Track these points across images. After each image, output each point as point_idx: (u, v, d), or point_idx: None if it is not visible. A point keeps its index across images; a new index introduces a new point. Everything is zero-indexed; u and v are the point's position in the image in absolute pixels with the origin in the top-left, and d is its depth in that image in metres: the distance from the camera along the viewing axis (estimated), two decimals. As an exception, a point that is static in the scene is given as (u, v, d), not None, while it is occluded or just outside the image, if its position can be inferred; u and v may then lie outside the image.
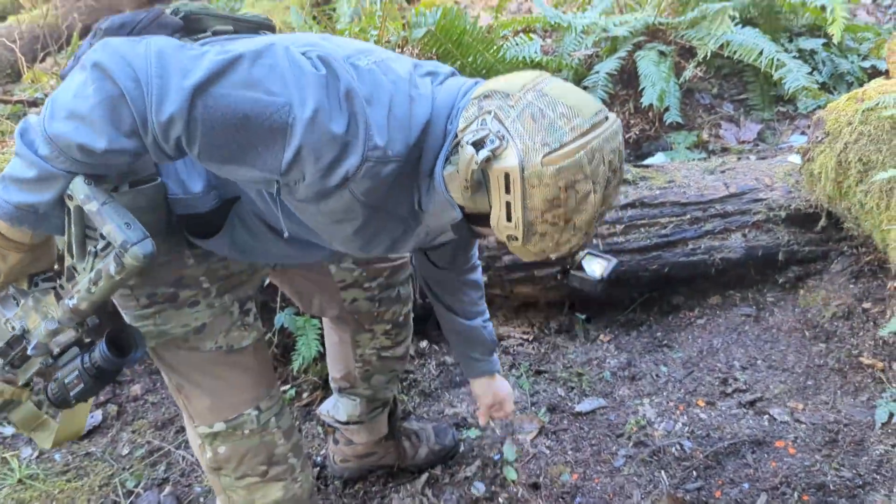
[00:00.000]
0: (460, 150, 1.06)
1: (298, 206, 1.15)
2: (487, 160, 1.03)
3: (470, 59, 2.88)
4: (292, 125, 1.03)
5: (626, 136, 3.10)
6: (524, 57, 2.97)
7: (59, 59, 3.79)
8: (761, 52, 2.87)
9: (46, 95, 3.36)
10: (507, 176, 1.03)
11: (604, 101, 3.04)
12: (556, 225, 1.06)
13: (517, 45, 3.01)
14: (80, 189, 1.07)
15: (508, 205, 1.05)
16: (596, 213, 1.07)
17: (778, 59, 2.76)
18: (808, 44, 3.32)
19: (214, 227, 1.27)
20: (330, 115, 1.04)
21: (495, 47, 2.93)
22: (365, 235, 1.19)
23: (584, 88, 3.10)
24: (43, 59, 3.66)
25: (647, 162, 2.89)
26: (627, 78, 3.21)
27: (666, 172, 2.53)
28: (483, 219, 1.11)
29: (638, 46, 3.21)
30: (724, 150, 3.06)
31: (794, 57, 3.02)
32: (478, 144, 1.04)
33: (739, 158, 2.83)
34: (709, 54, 3.03)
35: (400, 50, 2.98)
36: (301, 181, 1.08)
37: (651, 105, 3.02)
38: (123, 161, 1.07)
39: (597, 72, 3.08)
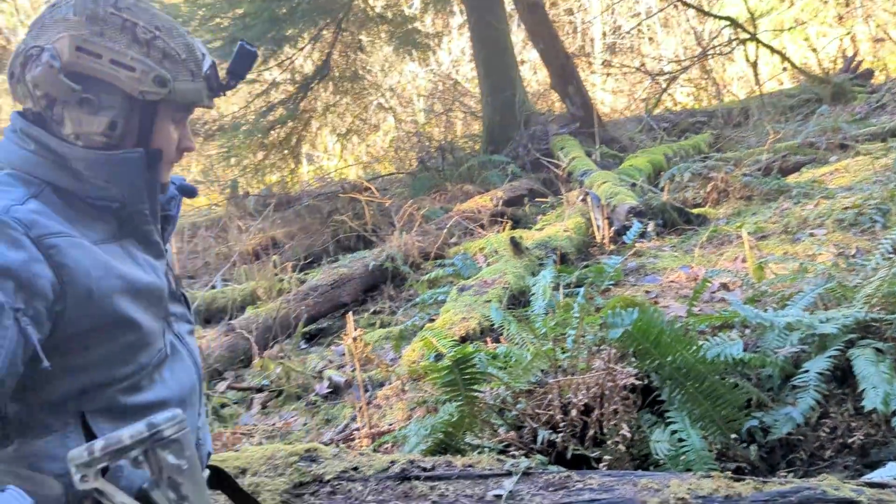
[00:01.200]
0: (45, 109, 1.08)
1: (103, 316, 1.17)
2: (54, 55, 1.03)
3: (669, 359, 2.88)
4: None
5: (850, 440, 2.84)
6: (726, 356, 2.92)
7: (284, 346, 4.28)
8: None
9: (271, 382, 3.76)
10: (79, 48, 1.03)
11: (819, 403, 2.86)
12: (163, 28, 1.08)
13: (718, 343, 2.99)
14: None
15: (114, 61, 1.04)
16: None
17: None
18: None
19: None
20: None
21: (695, 347, 2.92)
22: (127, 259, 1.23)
23: (794, 388, 2.96)
24: (271, 347, 4.17)
25: (878, 475, 2.59)
26: (842, 376, 3.02)
27: (907, 495, 2.24)
28: (138, 111, 1.10)
29: (850, 343, 3.05)
30: (974, 462, 2.68)
31: None
32: (32, 63, 1.07)
33: None
34: (936, 355, 2.80)
35: (596, 349, 3.06)
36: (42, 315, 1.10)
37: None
38: None
39: (806, 371, 2.93)
